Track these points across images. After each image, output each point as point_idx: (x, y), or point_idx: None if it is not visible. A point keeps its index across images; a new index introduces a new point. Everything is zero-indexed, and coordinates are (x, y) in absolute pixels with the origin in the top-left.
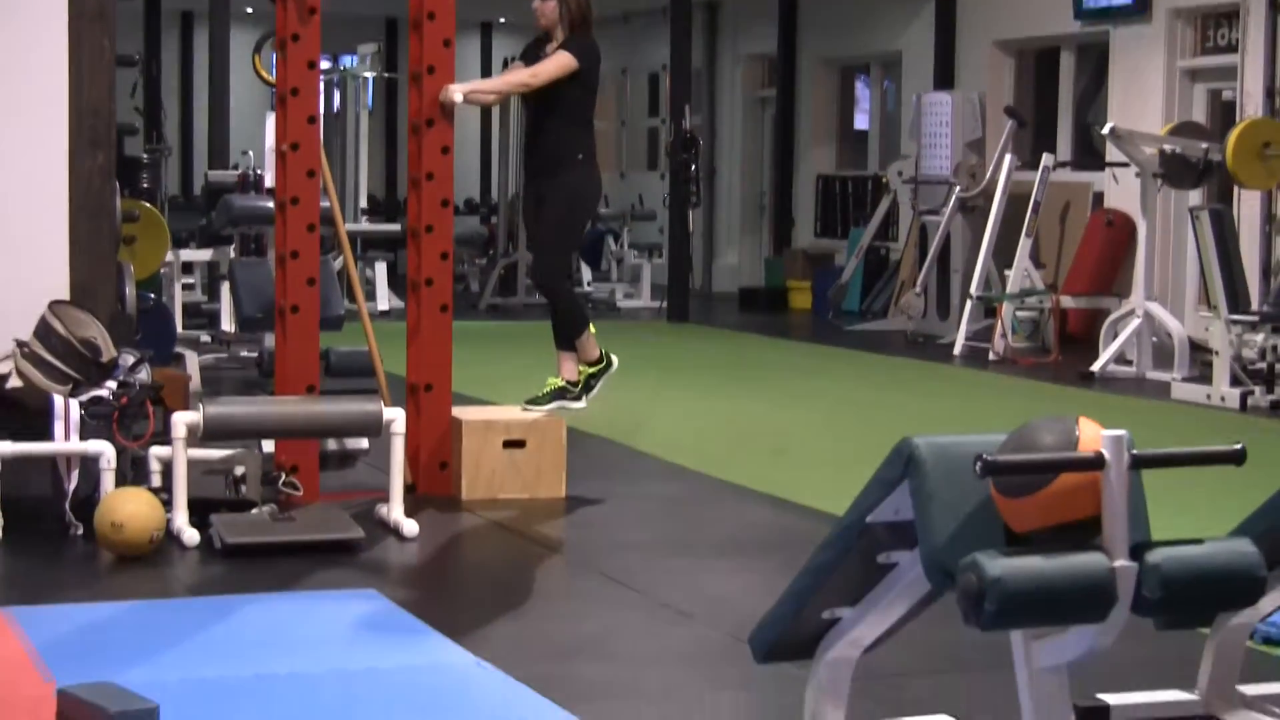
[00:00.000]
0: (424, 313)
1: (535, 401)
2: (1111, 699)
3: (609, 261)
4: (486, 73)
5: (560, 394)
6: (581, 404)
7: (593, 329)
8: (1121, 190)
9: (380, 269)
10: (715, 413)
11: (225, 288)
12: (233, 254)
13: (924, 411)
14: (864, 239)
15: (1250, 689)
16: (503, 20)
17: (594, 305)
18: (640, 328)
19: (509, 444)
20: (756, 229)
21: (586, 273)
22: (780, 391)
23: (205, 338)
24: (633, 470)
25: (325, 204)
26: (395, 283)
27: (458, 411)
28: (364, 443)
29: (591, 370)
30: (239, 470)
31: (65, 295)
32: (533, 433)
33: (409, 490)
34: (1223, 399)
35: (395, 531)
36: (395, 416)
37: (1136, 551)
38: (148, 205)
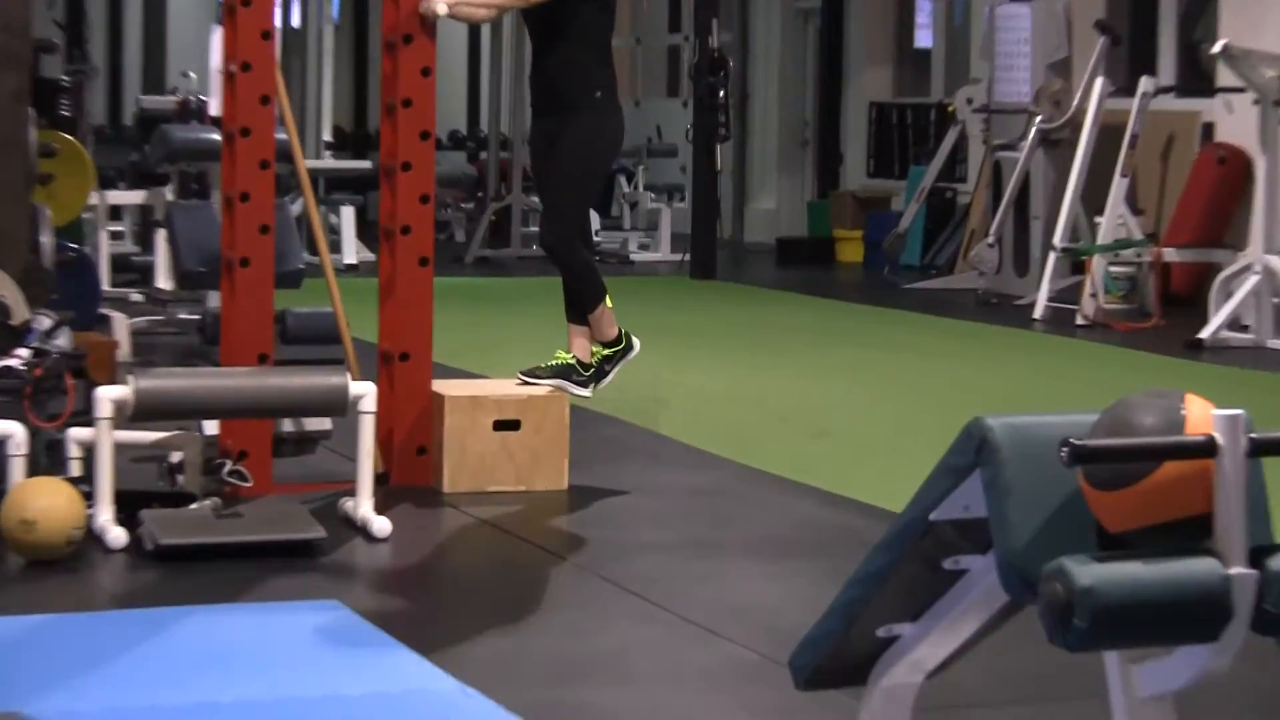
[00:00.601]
0: (399, 267)
1: (534, 373)
2: None
3: (621, 206)
4: None
5: (566, 372)
6: (587, 392)
7: (609, 303)
8: (1236, 121)
9: (347, 214)
10: (748, 388)
11: (161, 236)
12: (170, 196)
13: (999, 387)
14: (926, 179)
15: None
16: None
17: (603, 258)
18: (658, 285)
19: (501, 425)
20: (798, 167)
21: (594, 220)
22: (826, 362)
23: (137, 297)
24: (649, 457)
25: (282, 136)
26: (365, 231)
27: (439, 385)
28: (327, 423)
29: (607, 352)
30: (175, 457)
31: None
32: (529, 411)
33: (380, 481)
34: None
35: (363, 530)
36: (364, 392)
37: (1256, 556)
38: (68, 137)
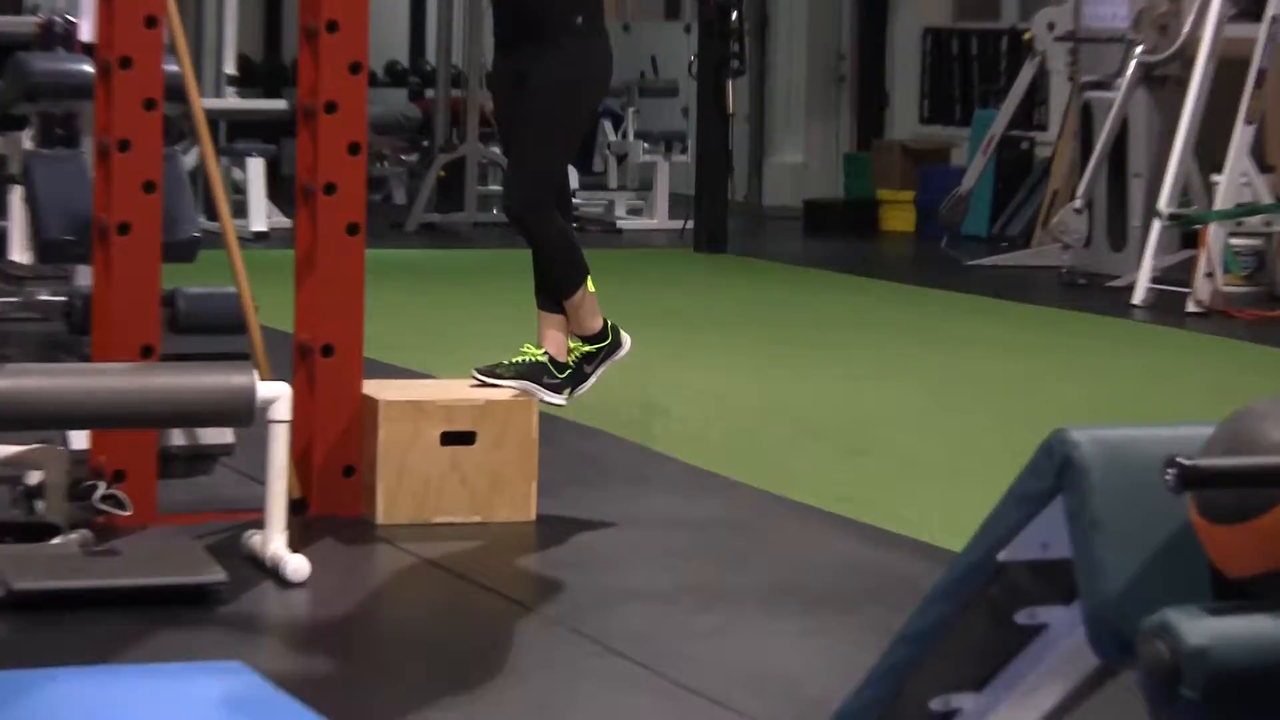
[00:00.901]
0: (322, 235)
1: (494, 372)
2: None
3: (605, 159)
4: None
5: (535, 372)
6: (561, 399)
7: (592, 286)
8: None
9: (255, 168)
10: (768, 392)
11: (17, 195)
12: (29, 144)
13: (1087, 391)
14: (996, 126)
15: None
16: None
17: (583, 226)
18: (653, 261)
19: (450, 438)
20: (831, 111)
21: (573, 177)
22: (867, 360)
23: None
24: (640, 480)
25: (172, 68)
26: (278, 189)
27: (371, 387)
28: (228, 435)
29: (587, 348)
30: (34, 478)
31: None
32: (488, 421)
33: (296, 509)
34: None
35: (274, 572)
36: (276, 395)
37: None
38: None
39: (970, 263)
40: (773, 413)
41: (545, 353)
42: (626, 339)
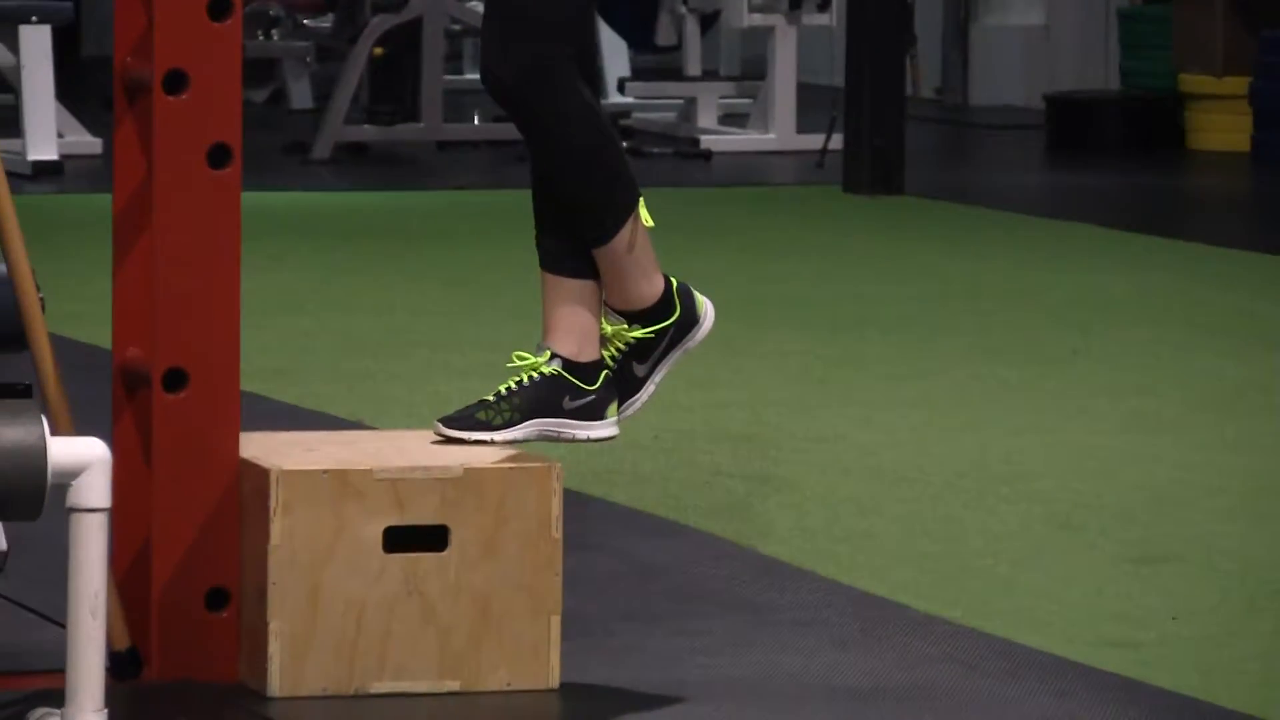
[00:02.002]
0: (163, 170)
1: (473, 419)
2: None
3: (676, 24)
4: None
5: (548, 397)
6: (605, 430)
7: (646, 214)
8: None
9: (34, 42)
10: (979, 451)
11: None
12: None
13: None
14: None
15: None
16: None
17: (636, 147)
18: (770, 210)
19: (403, 538)
20: None
21: (617, 56)
22: (1162, 390)
23: None
24: (752, 612)
25: None
26: (78, 83)
27: (256, 446)
28: None
29: (640, 333)
30: None
31: None
32: (469, 505)
33: (123, 669)
34: None
35: None
36: (85, 462)
37: None
38: None
39: None
40: (991, 486)
41: (554, 355)
42: (707, 308)
